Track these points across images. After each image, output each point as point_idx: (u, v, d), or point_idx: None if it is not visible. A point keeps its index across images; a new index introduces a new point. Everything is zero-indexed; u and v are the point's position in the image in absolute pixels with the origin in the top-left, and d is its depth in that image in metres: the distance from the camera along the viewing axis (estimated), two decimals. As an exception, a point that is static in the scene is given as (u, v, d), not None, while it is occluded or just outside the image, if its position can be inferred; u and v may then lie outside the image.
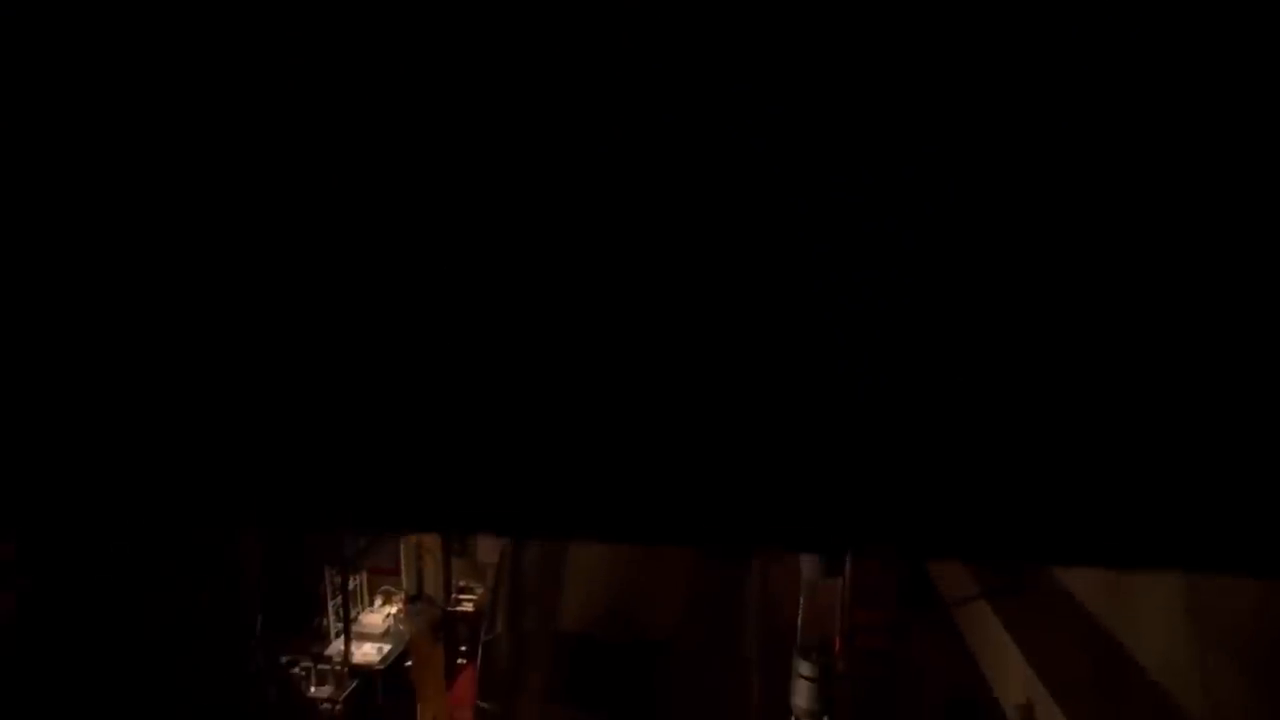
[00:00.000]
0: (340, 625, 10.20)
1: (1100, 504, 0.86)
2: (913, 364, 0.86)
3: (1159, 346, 0.84)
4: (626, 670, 1.45)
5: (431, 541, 11.96)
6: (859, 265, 0.86)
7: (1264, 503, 0.84)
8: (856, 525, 0.89)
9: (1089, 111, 0.81)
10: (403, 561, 11.87)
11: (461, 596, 11.91)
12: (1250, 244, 0.81)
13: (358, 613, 10.79)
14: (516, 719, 1.54)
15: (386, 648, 10.35)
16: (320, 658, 9.91)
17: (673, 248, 0.86)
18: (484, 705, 1.56)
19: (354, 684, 9.71)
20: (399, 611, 11.13)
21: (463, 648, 11.85)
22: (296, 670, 9.16)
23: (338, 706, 9.34)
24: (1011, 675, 4.08)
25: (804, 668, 3.71)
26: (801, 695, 3.70)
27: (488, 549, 11.84)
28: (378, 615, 10.91)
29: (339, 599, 10.36)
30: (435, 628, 9.94)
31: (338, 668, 9.74)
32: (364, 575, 11.25)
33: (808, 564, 3.71)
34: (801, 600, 3.81)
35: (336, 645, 10.07)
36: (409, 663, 10.44)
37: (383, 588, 11.46)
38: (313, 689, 9.44)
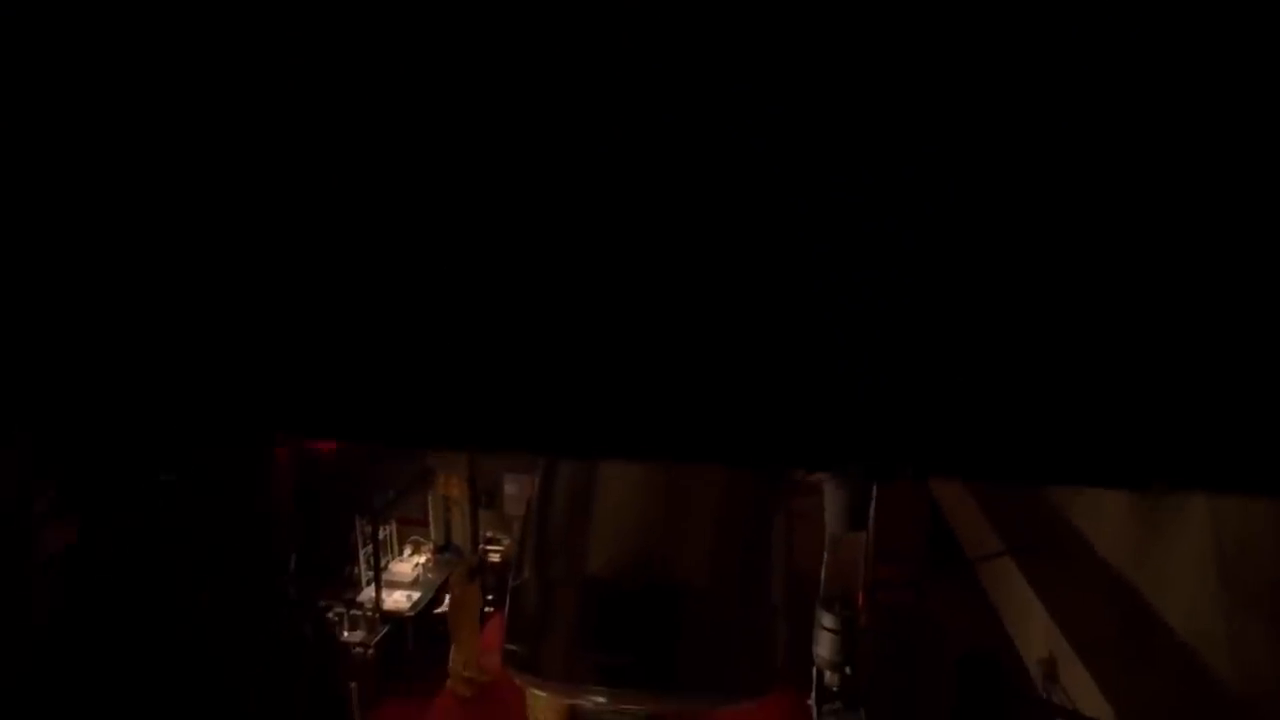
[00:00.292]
0: (371, 573, 10.47)
1: (1099, 423, 0.87)
2: (923, 283, 0.87)
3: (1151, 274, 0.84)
4: (653, 616, 1.49)
5: (459, 494, 12.18)
6: (871, 193, 0.86)
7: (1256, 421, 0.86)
8: (873, 443, 0.91)
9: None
10: (431, 513, 12.11)
11: (488, 548, 12.16)
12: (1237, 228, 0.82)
13: (388, 562, 11.07)
14: (544, 663, 1.59)
15: (416, 595, 10.62)
16: (352, 604, 10.20)
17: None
18: (512, 647, 1.61)
19: (385, 629, 10.00)
20: (428, 561, 11.39)
21: (489, 596, 12.14)
22: (330, 615, 9.44)
23: (370, 650, 9.64)
24: (1034, 631, 4.10)
25: (827, 620, 3.75)
26: (824, 646, 3.75)
27: (514, 502, 12.02)
28: (407, 564, 11.18)
29: (369, 548, 10.61)
30: (472, 572, 10.15)
31: (369, 614, 10.02)
32: (393, 525, 11.50)
33: (832, 518, 3.72)
34: (825, 554, 3.83)
35: (368, 592, 10.35)
36: (438, 609, 10.72)
37: (412, 538, 11.72)
38: (345, 633, 9.74)
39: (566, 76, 0.86)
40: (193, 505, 1.09)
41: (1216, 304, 0.84)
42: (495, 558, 12.05)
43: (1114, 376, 0.86)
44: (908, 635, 9.28)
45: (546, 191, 0.88)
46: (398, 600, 10.43)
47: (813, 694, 3.94)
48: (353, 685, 1.91)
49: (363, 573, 10.73)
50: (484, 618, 11.65)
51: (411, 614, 10.28)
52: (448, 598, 9.97)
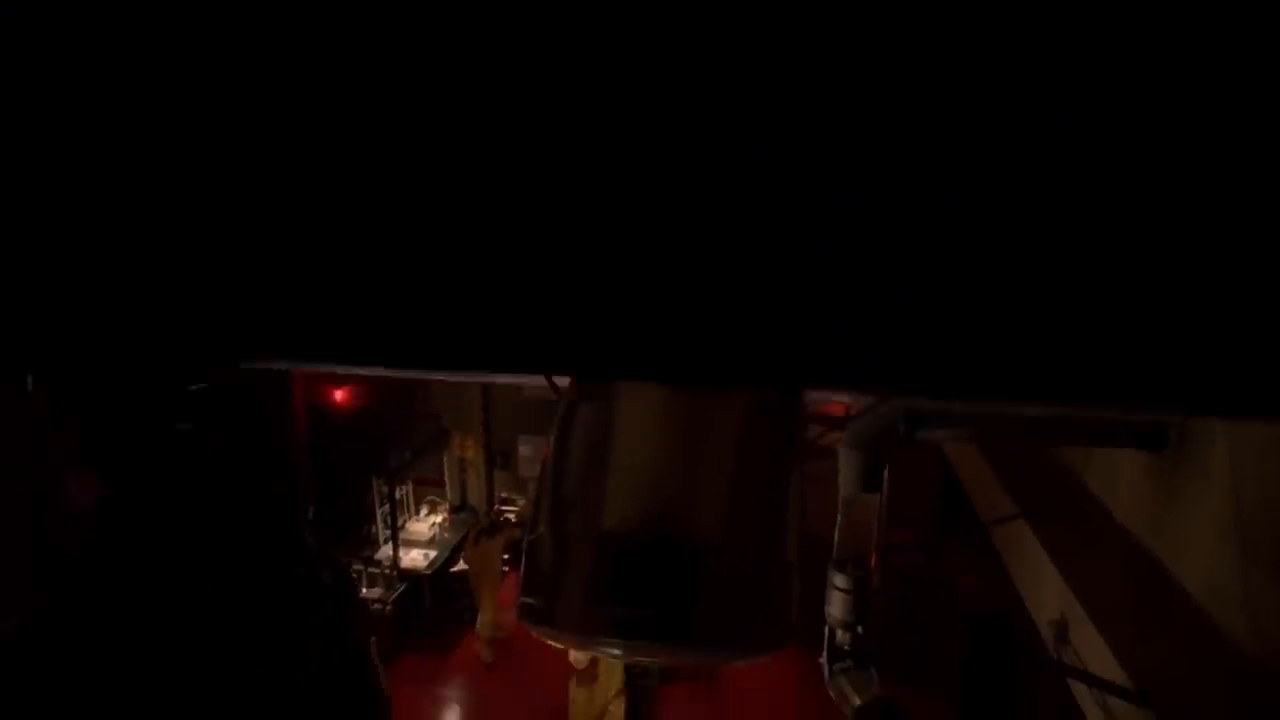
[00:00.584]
0: (388, 532, 10.64)
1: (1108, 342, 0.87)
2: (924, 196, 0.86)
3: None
4: (669, 570, 1.49)
5: (474, 455, 12.31)
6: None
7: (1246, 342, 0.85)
8: (880, 365, 0.90)
9: None
10: (447, 473, 12.26)
11: (503, 508, 12.32)
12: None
13: (405, 521, 11.24)
14: (558, 617, 1.60)
15: (432, 554, 10.79)
16: (370, 561, 10.40)
17: None
18: (528, 601, 1.62)
19: (402, 587, 10.19)
20: (444, 521, 11.56)
21: (506, 555, 12.34)
22: (350, 571, 9.65)
23: (388, 607, 9.84)
24: (1047, 593, 4.12)
25: (839, 580, 3.77)
26: (836, 606, 3.77)
27: (528, 463, 12.16)
28: (424, 524, 11.35)
29: (386, 507, 10.78)
30: (480, 533, 10.26)
31: (387, 571, 10.21)
32: (410, 486, 11.66)
33: (846, 480, 3.72)
34: (839, 516, 3.84)
35: (385, 551, 10.53)
36: (454, 568, 10.91)
37: (428, 498, 11.88)
38: (364, 590, 9.94)
39: (571, 76, 0.85)
40: (211, 454, 1.10)
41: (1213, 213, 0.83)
42: (511, 517, 12.22)
43: (1124, 289, 0.85)
44: (919, 597, 9.39)
45: (541, 96, 0.86)
46: (415, 559, 10.61)
47: (824, 653, 3.97)
48: (372, 639, 1.97)
49: (380, 531, 10.92)
50: (503, 576, 11.85)
51: (428, 572, 10.47)
52: (463, 556, 10.08)
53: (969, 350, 0.88)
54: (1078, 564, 3.95)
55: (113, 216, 0.92)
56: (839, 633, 3.89)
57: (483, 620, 9.70)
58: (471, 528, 11.41)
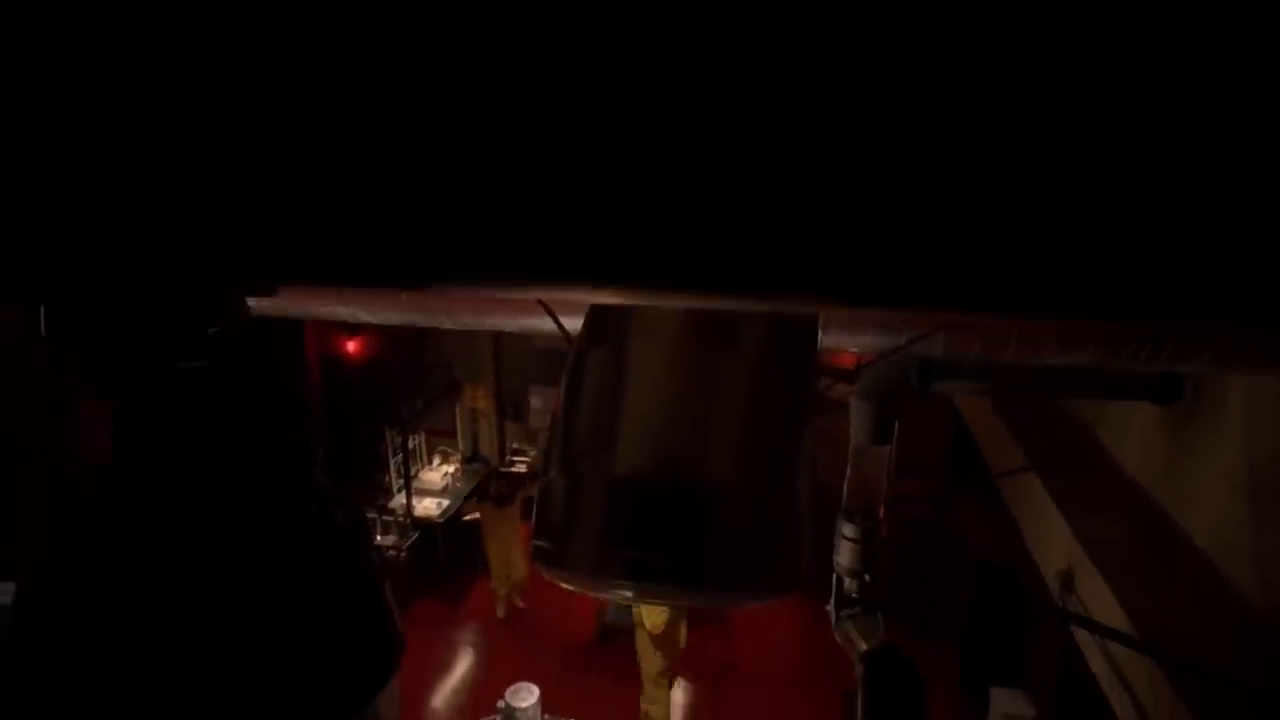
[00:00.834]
0: (401, 481, 10.78)
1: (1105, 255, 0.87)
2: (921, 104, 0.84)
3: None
4: (680, 514, 1.49)
5: (485, 406, 12.39)
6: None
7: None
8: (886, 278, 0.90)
9: None
10: (458, 424, 12.36)
11: (515, 458, 12.45)
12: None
13: (417, 470, 11.37)
14: (570, 559, 1.62)
15: (445, 503, 10.95)
16: (384, 510, 10.56)
17: None
18: (540, 544, 1.63)
19: (416, 534, 10.37)
20: (456, 470, 11.69)
21: (519, 520, 12.50)
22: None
23: (402, 554, 10.03)
24: (1054, 544, 4.14)
25: (848, 530, 3.81)
26: (844, 555, 3.81)
27: (539, 415, 12.24)
28: (436, 473, 11.48)
29: (399, 457, 10.90)
30: (481, 493, 10.22)
31: (401, 519, 10.38)
32: (422, 436, 11.76)
33: (857, 431, 3.72)
34: (849, 467, 3.85)
35: (399, 499, 10.68)
36: (467, 517, 11.07)
37: (440, 448, 12.00)
38: (378, 538, 10.12)
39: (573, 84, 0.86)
40: (220, 391, 1.10)
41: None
42: (522, 468, 12.35)
43: (1117, 203, 0.84)
44: (927, 548, 9.49)
45: None
46: (428, 507, 10.77)
47: (831, 600, 4.02)
48: (387, 583, 2.00)
49: (393, 480, 11.06)
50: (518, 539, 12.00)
51: (441, 520, 10.63)
52: (479, 514, 10.13)
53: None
54: (1086, 516, 3.96)
55: (122, 129, 0.90)
56: (847, 581, 3.95)
57: (496, 579, 9.77)
58: (484, 485, 11.55)
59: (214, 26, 0.86)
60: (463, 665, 9.45)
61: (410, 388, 11.40)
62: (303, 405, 11.09)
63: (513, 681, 6.46)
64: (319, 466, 1.37)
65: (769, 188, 0.86)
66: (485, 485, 11.39)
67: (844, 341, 2.94)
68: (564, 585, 1.74)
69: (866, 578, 3.85)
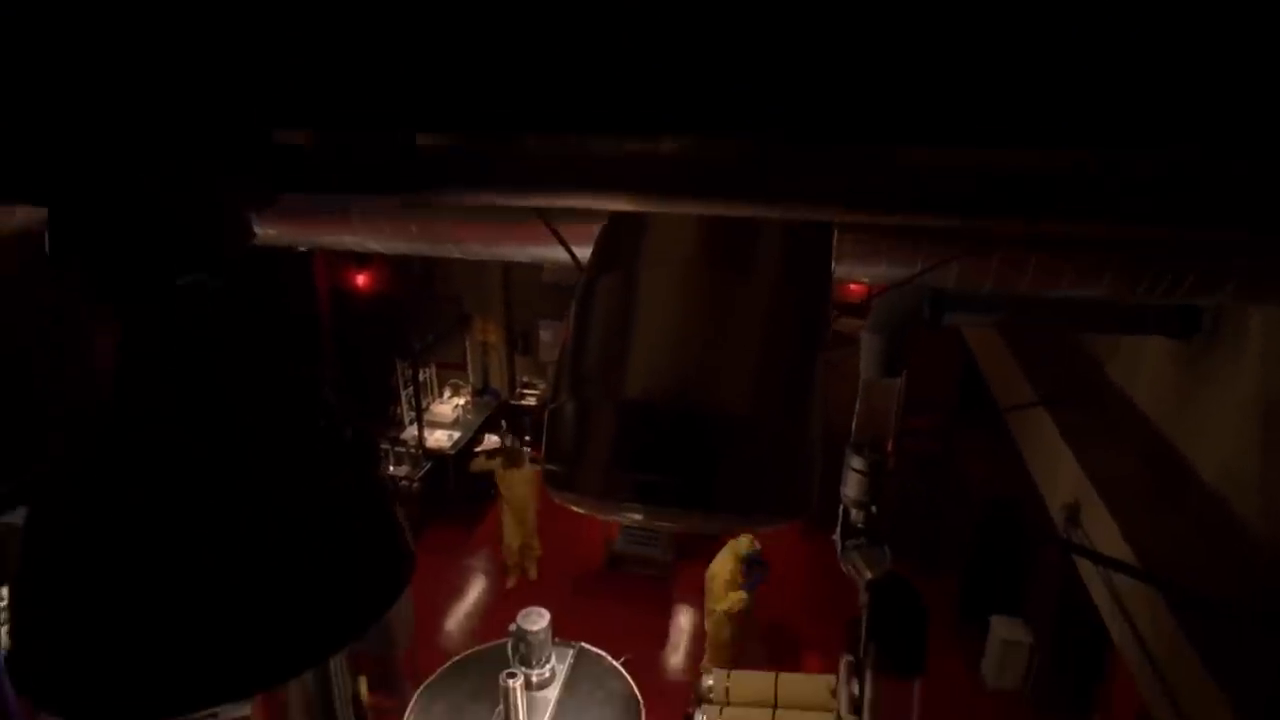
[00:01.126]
0: (413, 413, 10.90)
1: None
2: None
3: None
4: (691, 438, 1.49)
5: (496, 339, 12.42)
6: None
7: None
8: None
9: None
10: (469, 357, 12.43)
11: (524, 391, 12.54)
12: None
13: (429, 403, 11.48)
14: (581, 482, 1.63)
15: (456, 435, 11.08)
16: (396, 441, 10.71)
17: None
18: (551, 467, 1.64)
19: (428, 466, 10.53)
20: (466, 403, 11.79)
21: (527, 437, 12.66)
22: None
23: (415, 484, 10.21)
24: (1061, 478, 4.16)
25: (856, 462, 3.83)
26: (852, 487, 3.84)
27: (548, 348, 12.28)
28: (447, 406, 11.59)
29: (410, 389, 11.00)
30: (489, 453, 9.64)
31: (413, 451, 10.53)
32: (433, 369, 11.84)
33: (867, 364, 3.71)
34: (858, 400, 3.85)
35: (410, 431, 10.82)
36: (478, 448, 11.22)
37: (451, 381, 12.09)
38: (391, 468, 10.29)
39: None
40: (229, 309, 1.10)
41: None
42: (531, 400, 12.45)
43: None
44: (933, 481, 9.59)
45: None
46: (439, 439, 10.91)
47: (838, 531, 4.07)
48: (396, 503, 2.02)
49: (405, 412, 11.19)
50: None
51: (452, 452, 10.78)
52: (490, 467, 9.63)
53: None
54: (1094, 449, 3.96)
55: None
56: (853, 512, 3.99)
57: (507, 547, 9.43)
58: (493, 420, 11.62)
59: None
60: (474, 592, 9.71)
61: (420, 321, 11.42)
62: (312, 330, 11.11)
63: (523, 606, 6.64)
64: (327, 387, 1.37)
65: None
66: (495, 424, 11.46)
67: (856, 272, 2.90)
68: (574, 508, 1.76)
69: (873, 509, 3.88)
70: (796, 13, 0.80)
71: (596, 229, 2.01)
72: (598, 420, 1.66)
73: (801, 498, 1.69)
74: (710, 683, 6.80)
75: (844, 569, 3.99)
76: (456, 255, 3.25)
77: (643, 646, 8.18)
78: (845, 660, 6.75)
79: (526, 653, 6.27)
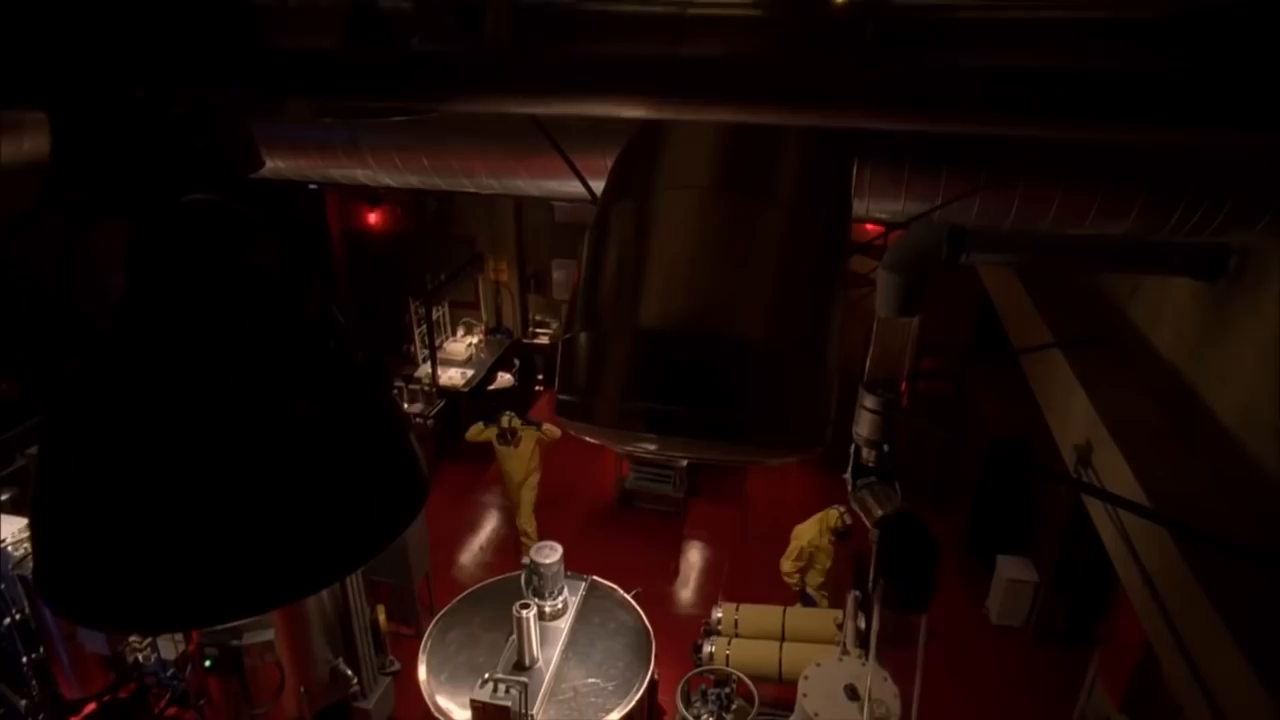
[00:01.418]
0: (427, 352, 10.95)
1: None
2: None
3: None
4: (707, 366, 1.47)
5: (508, 278, 12.39)
6: None
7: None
8: None
9: None
10: (481, 296, 12.42)
11: (537, 330, 12.57)
12: None
13: (441, 341, 11.53)
14: (596, 412, 1.62)
15: (469, 373, 11.15)
16: (410, 379, 10.79)
17: None
18: (565, 398, 1.64)
19: (441, 403, 10.63)
20: (479, 341, 11.84)
21: (539, 376, 12.75)
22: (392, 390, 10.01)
23: (429, 422, 10.32)
24: (1073, 419, 4.14)
25: (869, 401, 3.82)
26: (864, 425, 3.85)
27: (561, 287, 12.24)
28: (460, 344, 11.63)
29: (424, 328, 11.03)
30: (511, 434, 8.83)
31: (427, 388, 10.61)
32: (446, 307, 11.85)
33: (884, 302, 3.67)
34: (873, 338, 3.83)
35: (424, 369, 10.89)
36: (490, 387, 11.30)
37: (464, 319, 12.11)
38: (406, 406, 10.39)
39: None
40: (238, 225, 1.08)
41: None
42: (544, 339, 12.48)
43: None
44: (943, 421, 9.60)
45: None
46: (452, 377, 10.99)
47: (849, 469, 4.09)
48: (410, 427, 2.04)
49: (418, 351, 11.25)
50: (534, 395, 12.22)
51: (465, 390, 10.86)
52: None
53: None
54: (1109, 391, 3.93)
55: None
56: (865, 451, 4.00)
57: (520, 521, 9.01)
58: (503, 347, 11.66)
59: None
60: (489, 526, 9.90)
61: (433, 260, 11.39)
62: (324, 260, 11.08)
63: (537, 540, 6.77)
64: (338, 311, 1.37)
65: None
66: (507, 362, 11.43)
67: (874, 209, 2.84)
68: (588, 439, 1.76)
69: (885, 448, 3.89)
70: None
71: (609, 162, 1.97)
72: (612, 349, 1.65)
73: (819, 429, 1.68)
74: (719, 615, 6.96)
75: (854, 507, 4.03)
76: (469, 189, 3.21)
77: (653, 581, 8.35)
78: (852, 595, 6.88)
79: (539, 585, 6.43)
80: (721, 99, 0.86)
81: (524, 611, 5.84)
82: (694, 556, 9.36)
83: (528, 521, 8.86)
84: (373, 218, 12.30)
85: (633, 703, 5.79)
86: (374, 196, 12.05)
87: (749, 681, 6.12)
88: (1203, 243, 2.91)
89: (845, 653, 6.11)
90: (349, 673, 6.64)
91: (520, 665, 5.95)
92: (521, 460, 8.57)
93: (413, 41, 0.97)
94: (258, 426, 1.21)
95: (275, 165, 3.31)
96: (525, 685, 5.52)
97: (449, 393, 10.81)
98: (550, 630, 6.34)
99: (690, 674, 6.30)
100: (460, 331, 12.01)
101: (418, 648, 6.40)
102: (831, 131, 1.83)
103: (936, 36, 1.03)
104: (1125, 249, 3.30)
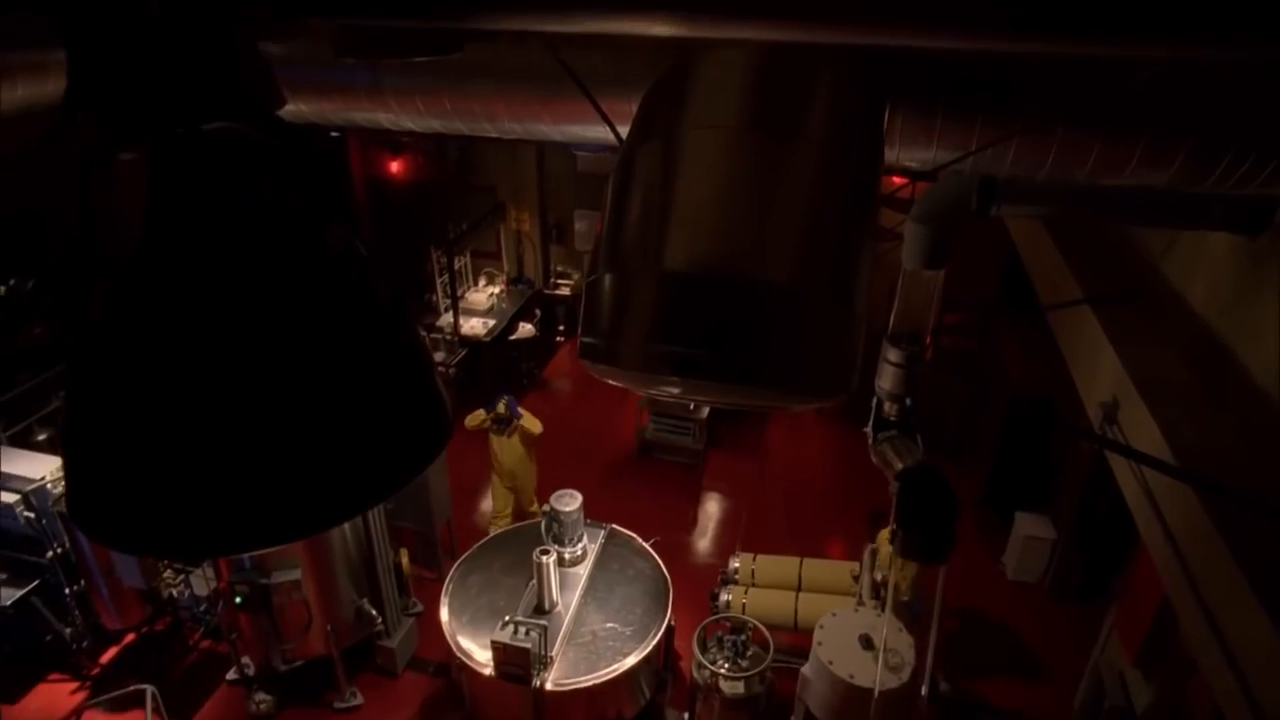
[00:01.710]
0: (449, 301, 10.99)
1: None
2: None
3: None
4: (732, 309, 1.45)
5: (530, 228, 12.33)
6: None
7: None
8: None
9: None
10: (503, 245, 12.39)
11: (558, 280, 12.55)
12: None
13: (463, 291, 11.55)
14: (619, 354, 1.61)
15: (491, 323, 11.19)
16: (433, 328, 10.85)
17: None
18: (588, 340, 1.63)
19: (463, 352, 10.70)
20: (501, 291, 11.85)
21: (561, 327, 12.77)
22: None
23: (451, 370, 10.40)
24: (1101, 376, 4.09)
25: (893, 355, 3.80)
26: (887, 379, 3.83)
27: (583, 238, 12.16)
28: (481, 294, 11.65)
29: (445, 277, 11.05)
30: (495, 419, 8.29)
31: (448, 338, 10.67)
32: (468, 257, 11.84)
33: (910, 255, 3.61)
34: (899, 292, 3.78)
35: (446, 318, 10.94)
36: (512, 336, 11.34)
37: (485, 270, 12.10)
38: (428, 354, 10.45)
39: None
40: (260, 157, 1.08)
41: None
42: (565, 290, 12.46)
43: None
44: (967, 376, 9.53)
45: None
46: (474, 327, 11.04)
47: (870, 423, 4.08)
48: (434, 365, 2.04)
49: (440, 300, 11.29)
50: (555, 346, 12.23)
51: (487, 339, 10.91)
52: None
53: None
54: (1138, 347, 3.87)
55: None
56: (887, 404, 3.99)
57: (525, 506, 8.57)
58: (524, 298, 11.68)
59: None
60: (510, 474, 10.02)
61: (455, 209, 11.34)
62: (346, 202, 11.02)
63: (557, 488, 6.86)
64: (361, 242, 1.36)
65: None
66: (529, 312, 11.45)
67: (905, 157, 2.77)
68: (610, 382, 1.76)
69: (907, 401, 3.87)
70: None
71: (634, 107, 1.92)
72: (637, 291, 1.63)
73: (846, 373, 1.66)
74: (736, 565, 7.06)
75: (875, 460, 4.02)
76: (492, 134, 3.17)
77: (672, 530, 8.45)
78: (869, 548, 6.92)
79: (559, 532, 6.54)
80: (754, 15, 0.82)
81: (544, 557, 5.95)
82: (712, 507, 9.45)
83: (531, 503, 8.60)
84: (395, 166, 12.23)
85: (650, 647, 5.91)
86: (396, 145, 11.95)
87: (764, 630, 6.22)
88: (1246, 195, 2.82)
89: (860, 603, 6.18)
90: (374, 612, 6.84)
91: (540, 609, 6.08)
92: (513, 451, 8.26)
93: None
94: (280, 354, 1.21)
95: (298, 108, 3.28)
96: (545, 628, 5.65)
97: (470, 342, 10.87)
98: (570, 576, 6.47)
99: (706, 620, 6.41)
100: (482, 281, 12.02)
101: (440, 590, 6.55)
102: (864, 71, 1.77)
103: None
104: (1164, 201, 3.20)
